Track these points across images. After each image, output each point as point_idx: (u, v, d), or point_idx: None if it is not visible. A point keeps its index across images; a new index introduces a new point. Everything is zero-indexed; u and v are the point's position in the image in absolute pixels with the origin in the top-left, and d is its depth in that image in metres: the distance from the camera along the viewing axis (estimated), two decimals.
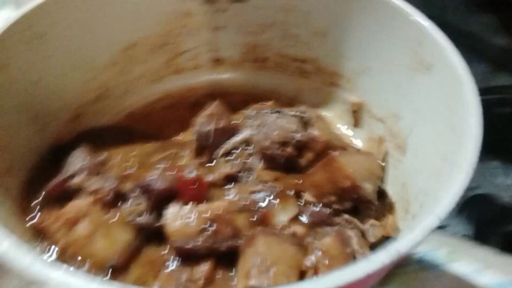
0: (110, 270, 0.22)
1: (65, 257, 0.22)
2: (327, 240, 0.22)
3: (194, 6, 0.36)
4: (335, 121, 0.35)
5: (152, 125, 0.37)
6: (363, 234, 0.25)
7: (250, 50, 0.38)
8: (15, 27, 0.28)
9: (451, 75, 0.24)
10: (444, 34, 0.26)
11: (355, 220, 0.25)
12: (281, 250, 0.21)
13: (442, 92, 0.25)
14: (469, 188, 0.20)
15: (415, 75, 0.27)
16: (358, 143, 0.33)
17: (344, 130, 0.34)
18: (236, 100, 0.37)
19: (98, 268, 0.22)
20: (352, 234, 0.24)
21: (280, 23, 0.35)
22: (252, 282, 0.20)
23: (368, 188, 0.24)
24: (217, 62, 0.39)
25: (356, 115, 0.33)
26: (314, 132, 0.28)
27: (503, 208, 0.46)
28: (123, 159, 0.30)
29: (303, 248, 0.22)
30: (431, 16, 0.27)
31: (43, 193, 0.26)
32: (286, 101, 0.37)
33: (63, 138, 0.33)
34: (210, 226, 0.22)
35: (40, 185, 0.27)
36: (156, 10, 0.35)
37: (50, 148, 0.31)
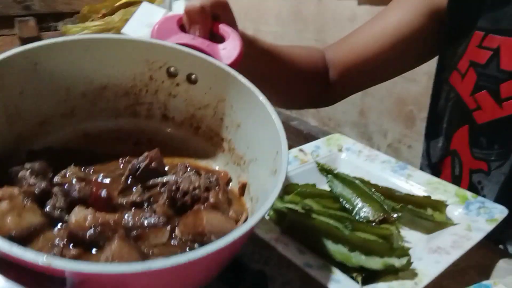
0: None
1: None
2: None
3: (159, 75, 0.48)
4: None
5: (100, 147, 0.48)
6: None
7: (189, 117, 0.50)
8: (18, 55, 0.40)
9: None
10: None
11: None
12: (128, 254, 0.31)
13: None
14: None
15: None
16: None
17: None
18: (169, 151, 0.49)
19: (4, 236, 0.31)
20: None
21: (212, 107, 0.48)
22: None
23: (213, 239, 0.35)
24: (164, 118, 0.51)
25: (240, 191, 0.45)
26: (209, 193, 0.40)
27: None
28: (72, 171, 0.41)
29: None
30: None
31: None
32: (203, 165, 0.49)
33: (26, 138, 0.43)
34: (98, 226, 0.33)
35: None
36: (130, 68, 0.48)
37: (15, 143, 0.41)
